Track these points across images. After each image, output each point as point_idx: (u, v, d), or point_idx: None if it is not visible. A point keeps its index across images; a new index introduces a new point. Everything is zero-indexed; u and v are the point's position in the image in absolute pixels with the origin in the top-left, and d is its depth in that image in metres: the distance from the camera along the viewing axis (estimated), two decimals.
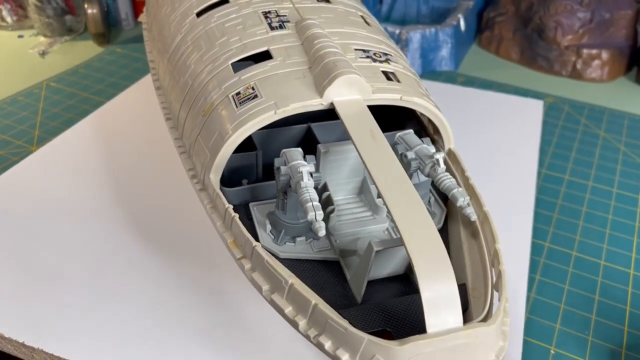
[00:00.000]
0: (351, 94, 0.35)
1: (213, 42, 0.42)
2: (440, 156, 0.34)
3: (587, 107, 0.69)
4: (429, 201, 0.39)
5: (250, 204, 0.38)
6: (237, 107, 0.36)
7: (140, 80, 0.72)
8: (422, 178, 0.37)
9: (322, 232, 0.31)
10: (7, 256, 0.45)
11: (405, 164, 0.35)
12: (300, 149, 0.35)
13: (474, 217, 0.33)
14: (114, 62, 0.78)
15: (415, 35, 0.75)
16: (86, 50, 0.81)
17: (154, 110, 0.63)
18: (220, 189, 0.37)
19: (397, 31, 0.74)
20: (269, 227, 0.36)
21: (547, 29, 0.77)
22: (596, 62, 0.75)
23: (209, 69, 0.40)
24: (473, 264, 0.34)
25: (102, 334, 0.39)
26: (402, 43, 0.74)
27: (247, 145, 0.39)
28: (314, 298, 0.29)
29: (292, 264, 0.35)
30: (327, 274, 0.35)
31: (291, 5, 0.44)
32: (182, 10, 0.47)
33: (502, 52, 0.81)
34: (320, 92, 0.35)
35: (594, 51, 0.75)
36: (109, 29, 0.84)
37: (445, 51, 0.77)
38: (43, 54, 0.80)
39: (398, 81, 0.37)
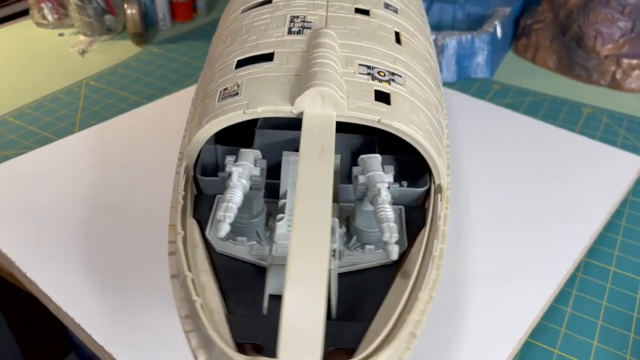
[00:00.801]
0: (325, 108, 0.35)
1: (235, 38, 0.43)
2: (382, 186, 0.33)
3: (627, 118, 0.68)
4: None
5: (218, 196, 0.39)
6: (219, 101, 0.37)
7: (187, 89, 0.71)
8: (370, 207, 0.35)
9: (219, 233, 0.31)
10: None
11: (356, 188, 0.34)
12: (257, 152, 0.36)
13: (393, 256, 0.31)
14: (151, 62, 0.79)
15: (451, 42, 0.74)
16: (124, 49, 0.83)
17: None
18: (197, 177, 0.38)
19: (433, 37, 0.74)
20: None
21: (587, 37, 0.75)
22: (636, 72, 0.73)
23: (220, 62, 0.42)
24: (388, 305, 0.32)
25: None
26: (437, 49, 0.74)
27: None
28: (200, 296, 0.30)
29: (228, 261, 0.35)
30: (256, 279, 0.34)
31: (323, 13, 0.43)
32: (236, 5, 0.48)
33: (539, 60, 0.80)
34: (292, 101, 0.35)
35: (635, 61, 0.73)
36: (146, 29, 0.85)
37: (481, 58, 0.76)
38: (83, 52, 0.82)
39: (387, 103, 0.36)
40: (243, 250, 0.36)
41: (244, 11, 0.46)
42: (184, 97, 0.67)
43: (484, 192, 0.53)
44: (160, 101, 0.67)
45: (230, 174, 0.33)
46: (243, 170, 0.34)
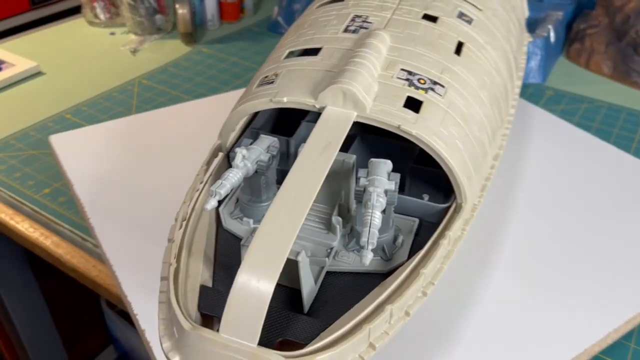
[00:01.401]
0: (346, 106, 0.35)
1: (298, 31, 0.44)
2: (374, 190, 0.32)
3: None
4: (395, 241, 0.37)
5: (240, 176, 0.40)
6: (256, 87, 0.39)
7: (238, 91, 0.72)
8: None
9: (206, 206, 0.32)
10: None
11: (358, 190, 0.34)
12: (274, 139, 0.37)
13: (364, 261, 0.30)
14: (200, 62, 0.80)
15: None
16: (174, 49, 0.84)
17: None
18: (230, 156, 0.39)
19: None
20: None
21: None
22: None
23: (277, 53, 0.43)
24: (354, 311, 0.32)
25: None
26: None
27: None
28: (179, 262, 0.32)
29: (231, 239, 0.37)
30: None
31: (388, 16, 0.43)
32: (320, 2, 0.48)
33: (593, 66, 0.79)
34: (316, 95, 0.35)
35: None
36: (195, 29, 0.86)
37: (534, 63, 0.75)
38: (134, 51, 0.83)
39: (416, 111, 0.35)
40: (246, 231, 0.37)
41: (319, 7, 0.46)
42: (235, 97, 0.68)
43: (552, 214, 0.50)
44: (214, 97, 0.69)
45: (235, 155, 0.35)
46: (249, 154, 0.35)
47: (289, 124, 0.44)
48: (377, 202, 0.32)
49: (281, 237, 0.28)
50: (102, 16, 0.90)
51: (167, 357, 0.28)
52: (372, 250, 0.35)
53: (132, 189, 0.53)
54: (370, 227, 0.31)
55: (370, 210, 0.32)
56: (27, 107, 0.70)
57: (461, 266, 0.43)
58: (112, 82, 0.75)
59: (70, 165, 0.56)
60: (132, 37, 0.86)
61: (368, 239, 0.31)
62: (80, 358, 1.11)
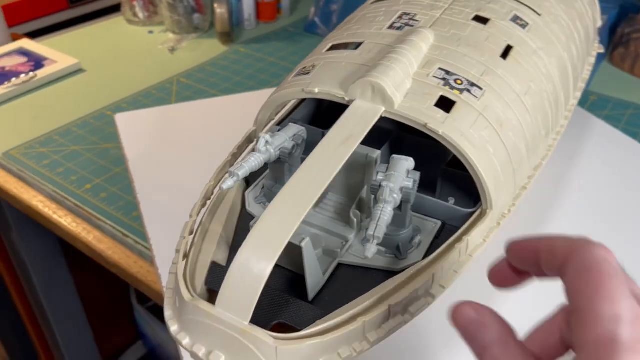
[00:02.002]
0: (374, 101, 0.35)
1: (344, 26, 0.45)
2: (387, 185, 0.32)
3: None
4: (411, 240, 0.36)
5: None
6: (294, 77, 0.39)
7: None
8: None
9: (223, 185, 0.33)
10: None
11: (374, 184, 0.34)
12: (302, 128, 0.37)
13: (366, 253, 0.30)
14: (238, 62, 0.80)
15: None
16: (211, 48, 0.84)
17: None
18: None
19: None
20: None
21: None
22: None
23: (321, 45, 0.44)
24: (354, 304, 0.31)
25: None
26: None
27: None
28: (195, 237, 0.34)
29: (251, 221, 0.37)
30: None
31: (437, 15, 0.42)
32: (372, 0, 0.48)
33: (638, 71, 0.77)
34: (347, 88, 0.36)
35: None
36: (232, 28, 0.87)
37: None
38: (172, 50, 0.83)
39: (447, 111, 0.34)
40: None
41: (372, 3, 0.46)
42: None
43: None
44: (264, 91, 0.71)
45: (258, 140, 0.35)
46: (273, 140, 0.36)
47: (333, 118, 0.44)
48: (390, 197, 0.32)
49: (285, 220, 0.28)
50: (140, 15, 0.91)
51: (167, 324, 0.30)
52: (386, 247, 0.35)
53: (180, 171, 0.56)
54: (378, 221, 0.31)
55: (382, 205, 0.32)
56: (69, 104, 0.71)
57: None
58: (151, 80, 0.76)
59: (128, 142, 0.60)
60: (170, 35, 0.87)
61: (374, 232, 0.30)
62: (110, 352, 1.13)
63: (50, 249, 0.87)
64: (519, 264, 0.25)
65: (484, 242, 0.35)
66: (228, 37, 0.85)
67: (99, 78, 0.77)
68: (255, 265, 0.26)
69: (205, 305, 0.28)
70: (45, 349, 1.03)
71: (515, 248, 0.25)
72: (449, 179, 0.39)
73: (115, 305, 1.10)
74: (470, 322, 0.23)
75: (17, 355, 1.09)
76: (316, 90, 0.36)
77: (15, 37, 0.88)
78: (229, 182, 0.33)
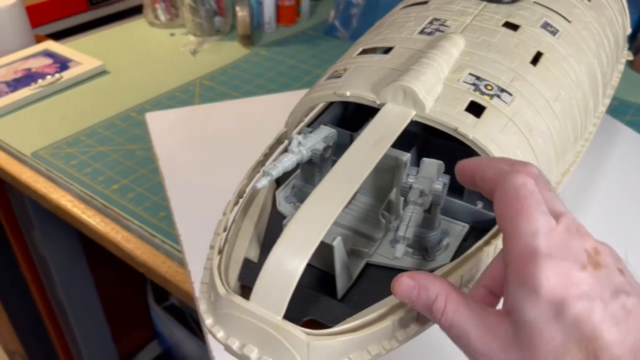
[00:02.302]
0: (405, 104, 0.35)
1: (375, 30, 0.45)
2: (417, 187, 0.33)
3: None
4: (440, 242, 0.36)
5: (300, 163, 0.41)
6: (326, 80, 0.40)
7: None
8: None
9: (257, 184, 0.33)
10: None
11: (404, 186, 0.34)
12: (334, 131, 0.38)
13: (396, 253, 0.31)
14: (259, 64, 0.81)
15: None
16: (232, 51, 0.85)
17: None
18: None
19: None
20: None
21: None
22: None
23: (352, 49, 0.44)
24: (382, 303, 0.32)
25: None
26: None
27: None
28: (228, 233, 0.34)
29: (282, 220, 0.38)
30: None
31: (467, 21, 0.43)
32: (404, 4, 0.49)
33: None
34: (378, 92, 0.36)
35: None
36: (253, 31, 0.87)
37: None
38: (194, 52, 0.84)
39: (477, 116, 0.35)
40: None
41: (402, 8, 0.47)
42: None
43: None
44: (291, 93, 0.73)
45: (291, 141, 0.36)
46: (305, 141, 0.36)
47: (360, 121, 0.45)
48: (420, 199, 0.32)
49: (318, 220, 0.29)
50: (162, 17, 0.92)
51: (201, 317, 0.30)
52: (414, 248, 0.35)
53: (209, 170, 0.57)
54: (408, 222, 0.32)
55: (412, 207, 0.32)
56: (94, 105, 0.72)
57: None
58: (174, 82, 0.76)
59: (158, 141, 0.61)
60: (192, 38, 0.88)
61: (404, 233, 0.31)
62: (125, 351, 1.14)
63: (71, 248, 0.89)
64: (464, 184, 0.29)
65: None
66: (249, 39, 0.86)
67: (123, 80, 0.78)
68: (289, 263, 0.27)
69: (239, 299, 0.28)
70: (63, 347, 1.04)
71: (459, 169, 0.29)
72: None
73: (132, 304, 1.11)
74: (411, 289, 0.26)
75: (36, 354, 1.10)
76: (348, 94, 0.37)
77: (38, 39, 0.89)
78: (263, 181, 0.34)
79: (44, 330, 1.04)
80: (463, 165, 0.29)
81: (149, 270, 0.51)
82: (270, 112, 0.66)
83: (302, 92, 0.69)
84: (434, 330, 0.31)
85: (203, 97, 0.73)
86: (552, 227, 0.23)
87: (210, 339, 0.40)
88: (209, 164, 0.58)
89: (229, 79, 0.77)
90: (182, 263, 0.50)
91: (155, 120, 0.64)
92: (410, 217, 0.32)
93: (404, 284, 0.26)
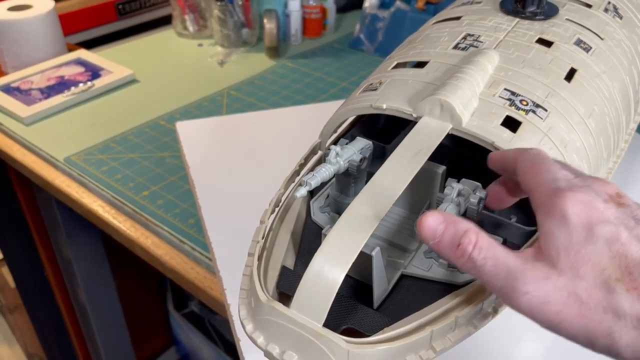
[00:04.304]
0: (442, 118, 0.36)
1: (409, 44, 0.46)
2: (455, 186, 0.34)
3: None
4: None
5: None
6: (361, 92, 0.41)
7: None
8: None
9: (296, 194, 0.34)
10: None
11: (440, 196, 0.35)
12: (369, 143, 0.39)
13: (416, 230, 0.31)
14: (286, 76, 0.82)
15: None
16: (259, 62, 0.87)
17: None
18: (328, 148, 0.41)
19: None
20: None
21: None
22: None
23: (386, 63, 0.45)
24: (421, 313, 0.32)
25: None
26: None
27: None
28: (266, 242, 0.35)
29: (317, 230, 0.39)
30: None
31: (500, 37, 0.43)
32: (436, 17, 0.50)
33: None
34: (415, 105, 0.37)
35: None
36: (279, 43, 0.89)
37: None
38: (221, 63, 0.86)
39: (513, 131, 0.35)
40: (330, 224, 0.39)
41: (434, 24, 0.48)
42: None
43: None
44: (320, 104, 0.74)
45: (329, 152, 0.37)
46: (343, 152, 0.37)
47: (390, 133, 0.45)
48: (456, 198, 0.33)
49: (358, 230, 0.29)
50: (191, 28, 0.94)
51: (242, 323, 0.31)
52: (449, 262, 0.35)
53: (239, 179, 0.58)
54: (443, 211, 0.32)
55: (446, 204, 0.33)
56: (125, 113, 0.73)
57: None
58: (202, 91, 0.78)
59: (189, 150, 0.63)
60: (219, 49, 0.90)
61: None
62: (144, 356, 1.15)
63: (95, 253, 0.90)
64: (495, 170, 0.33)
65: None
66: (275, 51, 0.87)
67: (152, 88, 0.79)
68: (329, 272, 0.28)
69: (281, 306, 0.29)
70: (84, 351, 1.06)
71: (490, 158, 0.33)
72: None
73: (152, 310, 1.12)
74: (438, 222, 0.26)
75: (56, 357, 1.11)
76: (384, 106, 0.38)
77: (69, 47, 0.92)
78: (301, 191, 0.34)
79: (65, 333, 1.05)
80: (493, 154, 0.33)
81: (178, 276, 0.52)
82: (300, 123, 0.68)
83: (331, 104, 0.71)
84: (469, 342, 0.32)
85: (230, 107, 0.74)
86: (571, 177, 0.26)
87: (242, 346, 0.40)
88: (239, 173, 0.59)
89: (256, 89, 0.79)
90: (210, 269, 0.50)
91: (186, 129, 0.66)
92: (445, 209, 0.33)
93: (431, 216, 0.26)
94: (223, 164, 0.60)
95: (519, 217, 0.39)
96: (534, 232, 0.37)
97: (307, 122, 0.67)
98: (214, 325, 1.05)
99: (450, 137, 0.36)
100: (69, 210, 0.81)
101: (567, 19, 0.44)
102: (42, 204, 0.84)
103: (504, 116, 0.36)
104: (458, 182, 0.35)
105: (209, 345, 1.06)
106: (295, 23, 0.91)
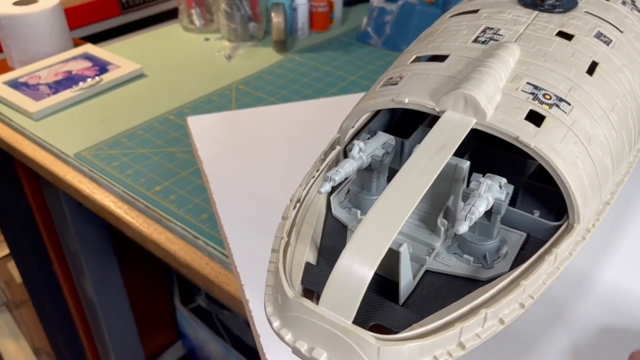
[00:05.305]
0: (466, 112, 0.35)
1: (427, 38, 0.46)
2: (483, 181, 0.33)
3: None
4: (498, 250, 0.36)
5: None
6: (380, 87, 0.40)
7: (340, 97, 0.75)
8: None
9: (321, 189, 0.34)
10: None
11: (466, 191, 0.35)
12: (391, 137, 0.39)
13: (459, 227, 0.32)
14: (294, 70, 0.82)
15: None
16: (266, 56, 0.86)
17: None
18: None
19: None
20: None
21: None
22: None
23: (404, 56, 0.44)
24: (448, 310, 0.32)
25: None
26: None
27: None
28: (290, 238, 0.35)
29: (338, 225, 0.39)
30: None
31: (520, 30, 0.43)
32: (451, 10, 0.49)
33: None
34: (437, 99, 0.36)
35: None
36: (287, 37, 0.88)
37: None
38: (229, 57, 0.86)
39: (538, 125, 0.35)
40: (352, 220, 0.39)
41: (451, 17, 0.47)
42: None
43: None
44: (332, 98, 0.73)
45: (353, 147, 0.37)
46: (366, 147, 0.37)
47: (407, 128, 0.45)
48: (485, 193, 0.33)
49: (386, 227, 0.29)
50: (197, 22, 0.93)
51: (268, 320, 0.31)
52: (473, 255, 0.36)
53: (252, 173, 0.58)
54: (472, 205, 0.32)
55: (475, 199, 0.33)
56: (133, 108, 0.73)
57: (568, 285, 0.43)
58: (210, 86, 0.78)
59: (201, 145, 0.62)
60: (226, 43, 0.89)
61: (467, 213, 0.32)
62: (152, 350, 1.15)
63: (102, 247, 0.90)
64: None
65: (570, 255, 0.35)
66: (283, 45, 0.87)
67: (160, 83, 0.79)
68: (358, 269, 0.28)
69: (309, 303, 0.29)
70: (91, 345, 1.06)
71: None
72: (530, 192, 0.39)
73: (159, 305, 1.12)
74: None
75: (63, 352, 1.12)
76: (406, 101, 0.37)
77: (74, 42, 0.91)
78: (326, 186, 0.35)
79: (72, 327, 1.05)
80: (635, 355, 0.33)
81: (193, 272, 0.52)
82: (313, 117, 0.67)
83: (345, 98, 0.71)
84: (495, 338, 0.32)
85: (239, 101, 0.74)
86: None
87: (263, 342, 0.40)
88: (253, 168, 0.59)
89: (264, 84, 0.78)
90: (224, 265, 0.50)
91: (197, 124, 0.65)
92: (474, 203, 0.33)
93: None
94: (236, 159, 0.60)
95: (542, 212, 0.39)
96: (558, 227, 0.37)
97: (321, 116, 0.67)
98: (222, 320, 1.05)
99: (470, 131, 0.36)
100: (76, 204, 0.81)
101: (586, 12, 0.44)
102: (50, 198, 0.84)
103: (527, 110, 0.36)
104: (483, 177, 0.34)
105: (216, 339, 1.06)
106: (302, 16, 0.90)
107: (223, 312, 1.05)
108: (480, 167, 0.41)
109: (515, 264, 0.36)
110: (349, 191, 0.41)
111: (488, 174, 0.35)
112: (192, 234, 0.53)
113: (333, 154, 0.42)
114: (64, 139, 0.67)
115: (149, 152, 0.64)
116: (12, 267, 1.37)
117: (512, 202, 0.39)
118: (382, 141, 0.38)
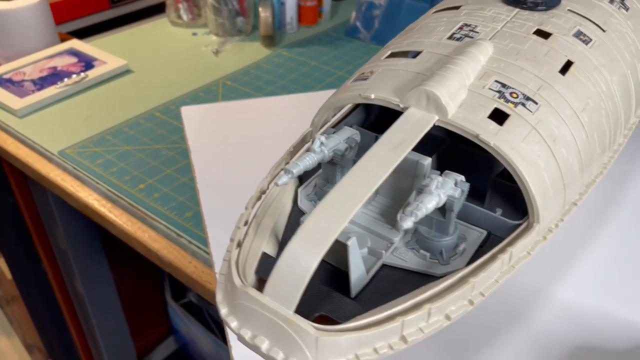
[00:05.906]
0: (428, 109, 0.35)
1: (405, 34, 0.46)
2: (434, 178, 0.33)
3: None
4: (455, 247, 0.36)
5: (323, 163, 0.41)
6: (352, 82, 0.41)
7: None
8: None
9: (278, 182, 0.35)
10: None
11: (420, 187, 0.35)
12: (356, 132, 0.39)
13: (402, 223, 0.31)
14: (282, 65, 0.81)
15: None
16: (254, 51, 0.86)
17: None
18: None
19: None
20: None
21: None
22: None
23: (381, 52, 0.45)
24: (393, 303, 0.32)
25: None
26: None
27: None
28: (247, 228, 0.36)
29: (301, 217, 0.39)
30: None
31: (497, 27, 0.43)
32: (436, 6, 0.49)
33: None
34: (402, 95, 0.36)
35: None
36: (275, 32, 0.88)
37: None
38: (216, 52, 0.85)
39: (500, 124, 0.35)
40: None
41: (434, 13, 0.47)
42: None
43: None
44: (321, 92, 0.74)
45: (313, 140, 0.37)
46: (327, 141, 0.37)
47: (385, 123, 0.45)
48: (436, 190, 0.33)
49: (334, 218, 0.29)
50: (185, 17, 0.92)
51: (217, 307, 0.31)
52: (429, 251, 0.36)
53: (238, 165, 0.59)
54: (420, 202, 0.32)
55: (424, 196, 0.33)
56: (119, 104, 0.72)
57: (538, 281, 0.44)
58: (197, 82, 0.77)
59: (192, 135, 0.63)
60: (214, 38, 0.89)
61: (414, 209, 0.32)
62: (142, 346, 1.15)
63: (91, 244, 0.90)
64: None
65: (528, 255, 0.35)
66: (271, 40, 0.86)
67: (146, 79, 0.78)
68: (303, 258, 0.28)
69: (253, 292, 0.29)
70: (82, 341, 1.06)
71: None
72: (498, 190, 0.39)
73: (150, 300, 1.12)
74: None
75: (54, 348, 1.11)
76: (372, 96, 0.38)
77: (61, 37, 0.90)
78: (283, 179, 0.35)
79: (63, 324, 1.05)
80: None
81: (176, 270, 0.52)
82: (299, 110, 0.67)
83: (332, 93, 0.71)
84: (443, 333, 0.32)
85: (226, 97, 0.74)
86: None
87: (229, 332, 0.41)
88: (239, 160, 0.59)
89: (252, 79, 0.78)
90: (208, 264, 0.50)
91: (190, 114, 0.66)
92: (422, 199, 0.32)
93: None
94: (224, 150, 0.60)
95: (509, 211, 0.39)
96: (519, 225, 0.37)
97: (308, 109, 0.67)
98: (212, 316, 1.05)
99: (446, 129, 0.36)
100: (64, 202, 0.80)
101: (569, 10, 0.43)
102: (37, 196, 0.84)
103: (492, 108, 0.36)
104: (441, 174, 0.34)
105: (208, 335, 1.06)
106: (290, 11, 0.90)
107: (214, 308, 1.05)
108: (453, 164, 0.41)
109: (472, 261, 0.35)
110: (316, 184, 0.41)
111: (446, 171, 0.35)
112: (176, 232, 0.53)
113: (305, 147, 0.42)
114: (48, 137, 0.66)
115: (134, 149, 0.64)
116: (2, 264, 1.36)
117: (481, 200, 0.39)
118: (346, 136, 0.38)
